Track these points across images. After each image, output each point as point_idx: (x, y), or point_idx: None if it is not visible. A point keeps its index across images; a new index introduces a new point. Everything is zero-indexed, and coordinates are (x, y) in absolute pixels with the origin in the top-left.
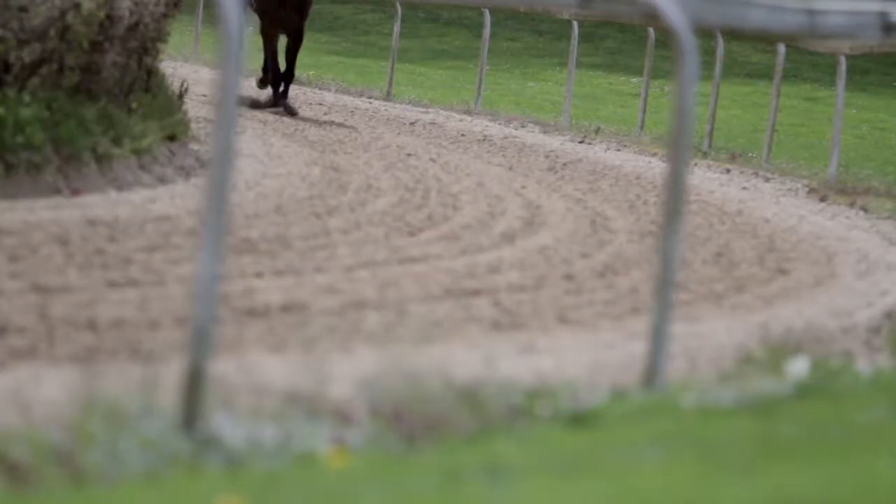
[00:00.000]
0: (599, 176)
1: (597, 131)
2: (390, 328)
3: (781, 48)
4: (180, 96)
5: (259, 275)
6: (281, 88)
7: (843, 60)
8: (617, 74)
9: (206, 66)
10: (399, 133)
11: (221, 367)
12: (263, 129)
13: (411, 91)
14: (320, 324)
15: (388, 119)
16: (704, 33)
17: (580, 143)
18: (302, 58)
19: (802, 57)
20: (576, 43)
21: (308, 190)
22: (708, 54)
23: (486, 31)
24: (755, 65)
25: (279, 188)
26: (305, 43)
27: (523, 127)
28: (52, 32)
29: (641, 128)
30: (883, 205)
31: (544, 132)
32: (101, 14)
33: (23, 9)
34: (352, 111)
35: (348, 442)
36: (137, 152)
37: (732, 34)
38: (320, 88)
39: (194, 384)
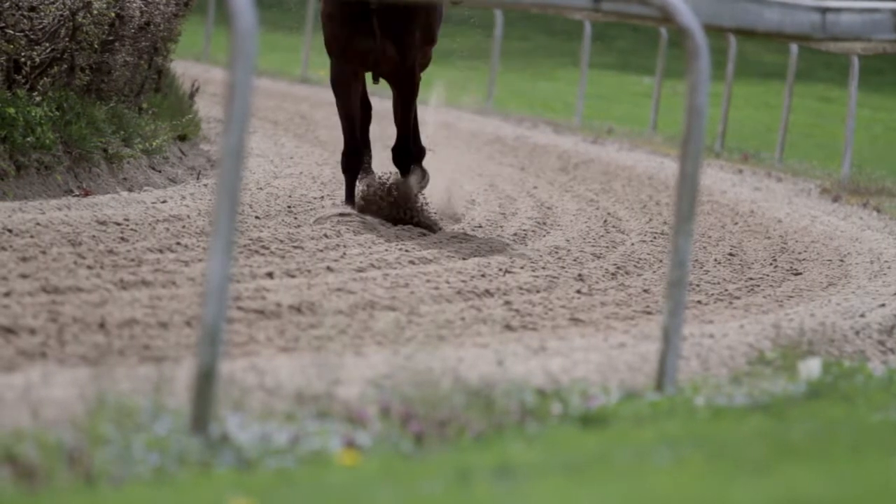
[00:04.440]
0: (612, 176)
1: (609, 131)
2: (401, 328)
3: (794, 48)
4: (191, 96)
5: (270, 275)
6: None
7: (856, 60)
8: (629, 74)
9: (217, 66)
10: None
11: (232, 368)
12: (274, 129)
13: (422, 91)
14: (331, 324)
15: None
16: (716, 33)
17: (592, 143)
18: (312, 57)
19: (815, 57)
20: (588, 43)
21: (319, 190)
22: (720, 54)
23: (498, 31)
24: (768, 65)
25: (290, 188)
26: (313, 42)
27: (535, 127)
28: (63, 32)
29: (654, 128)
30: None
31: (556, 132)
32: (112, 14)
33: (33, 9)
34: None
35: (359, 442)
36: (148, 152)
37: (744, 34)
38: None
39: (205, 384)
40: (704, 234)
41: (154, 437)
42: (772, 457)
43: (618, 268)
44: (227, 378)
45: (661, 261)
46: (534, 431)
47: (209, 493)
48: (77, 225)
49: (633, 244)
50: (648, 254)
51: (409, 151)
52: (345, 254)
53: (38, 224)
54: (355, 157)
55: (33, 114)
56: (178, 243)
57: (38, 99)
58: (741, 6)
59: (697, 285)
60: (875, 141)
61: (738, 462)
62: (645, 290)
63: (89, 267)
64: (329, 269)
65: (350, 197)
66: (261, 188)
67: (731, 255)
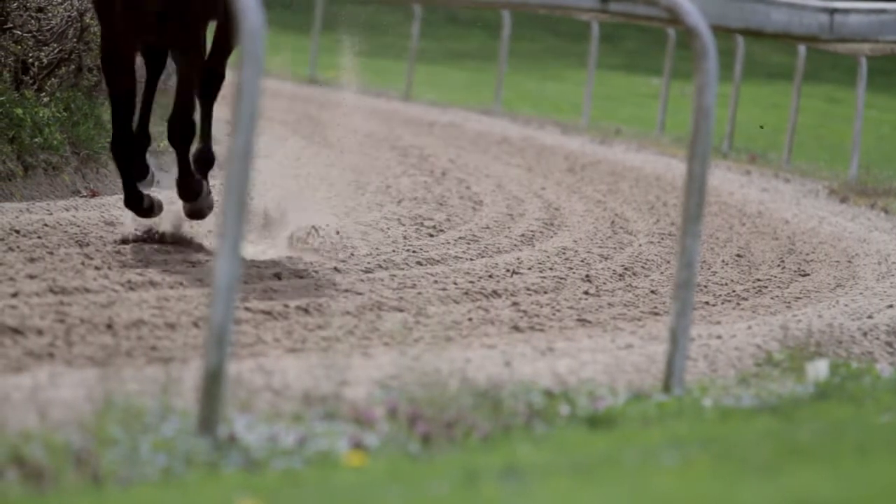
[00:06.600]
0: (619, 177)
1: (617, 132)
2: (409, 329)
3: (802, 49)
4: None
5: (277, 276)
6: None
7: (863, 61)
8: (637, 75)
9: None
10: (418, 134)
11: (239, 369)
12: (283, 130)
13: (430, 92)
14: (339, 325)
15: (406, 120)
16: (724, 34)
17: (600, 144)
18: (321, 58)
19: (823, 58)
20: (595, 44)
21: (327, 191)
22: (728, 55)
23: (506, 32)
24: (775, 65)
25: (298, 189)
26: (321, 43)
27: (543, 128)
28: (71, 33)
29: (661, 129)
30: None
31: (564, 133)
32: None
33: (41, 9)
34: (371, 112)
35: (366, 443)
36: (156, 153)
37: (752, 35)
38: (339, 89)
39: (212, 385)
40: (712, 235)
41: (161, 437)
42: (779, 458)
43: (625, 269)
44: (234, 379)
45: (668, 262)
46: (541, 432)
47: (217, 493)
48: (84, 225)
49: (640, 245)
50: (656, 255)
51: (188, 125)
52: (352, 254)
53: (45, 225)
54: (126, 146)
55: (41, 114)
56: (186, 244)
57: (45, 100)
58: (749, 7)
59: (705, 286)
60: (882, 142)
61: (745, 463)
62: (652, 291)
63: (97, 268)
64: (336, 269)
65: (128, 191)
66: (268, 189)
67: (738, 256)
